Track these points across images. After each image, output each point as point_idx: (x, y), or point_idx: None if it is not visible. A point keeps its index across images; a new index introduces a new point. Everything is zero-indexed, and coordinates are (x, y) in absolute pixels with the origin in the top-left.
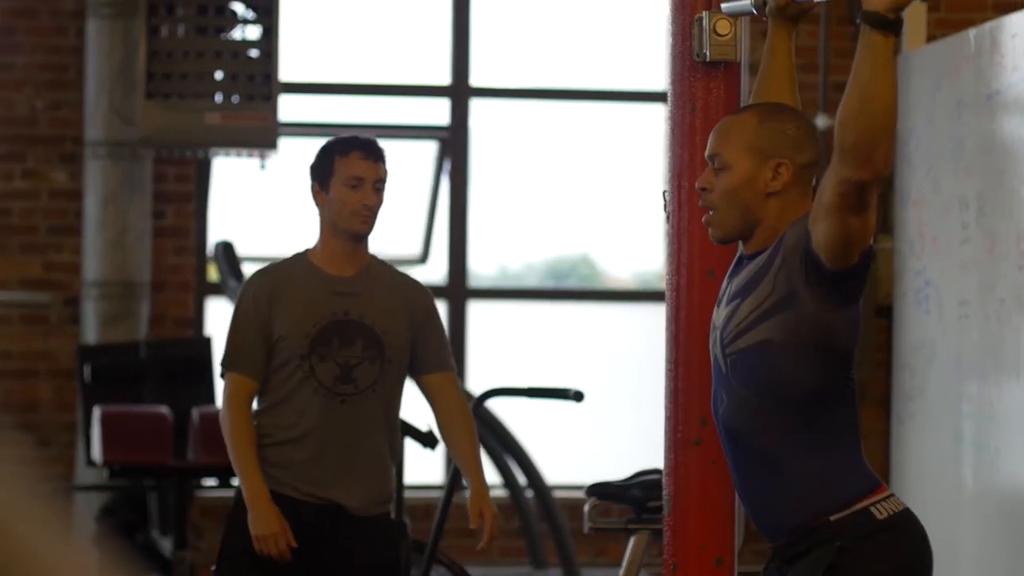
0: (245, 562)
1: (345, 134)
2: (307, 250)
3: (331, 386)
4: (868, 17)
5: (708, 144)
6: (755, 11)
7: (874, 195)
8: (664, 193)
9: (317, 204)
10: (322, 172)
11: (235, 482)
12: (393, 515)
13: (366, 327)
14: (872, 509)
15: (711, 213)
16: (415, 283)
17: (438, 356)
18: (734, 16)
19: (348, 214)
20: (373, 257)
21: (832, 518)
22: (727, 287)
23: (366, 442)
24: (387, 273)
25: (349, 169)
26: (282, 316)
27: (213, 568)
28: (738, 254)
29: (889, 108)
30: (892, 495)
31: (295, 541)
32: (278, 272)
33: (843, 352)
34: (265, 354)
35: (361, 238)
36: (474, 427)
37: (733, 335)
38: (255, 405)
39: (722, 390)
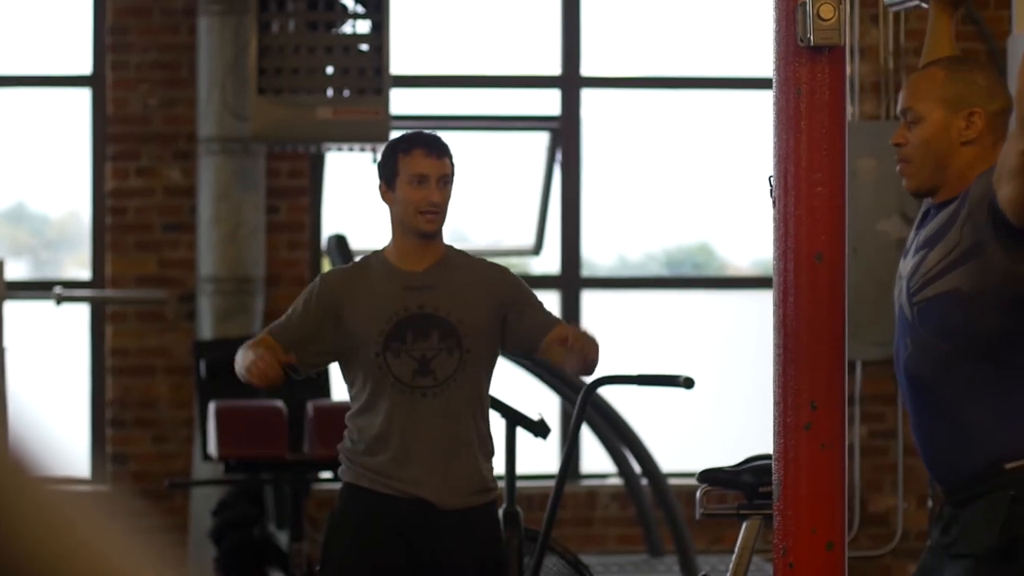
0: (348, 562)
1: (410, 129)
2: (383, 248)
3: (409, 380)
4: None
5: (900, 100)
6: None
7: None
8: (770, 179)
9: (385, 203)
10: (387, 171)
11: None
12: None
13: (441, 319)
14: None
15: (906, 165)
16: (494, 268)
17: (543, 325)
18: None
19: (414, 213)
20: (449, 248)
21: (1007, 466)
22: (914, 237)
23: (453, 434)
24: (464, 262)
25: (412, 167)
26: (355, 316)
27: (317, 568)
28: (924, 207)
29: None
30: None
31: (285, 357)
32: (352, 272)
33: None
34: (312, 345)
35: (429, 236)
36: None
37: (920, 284)
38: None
39: (907, 338)
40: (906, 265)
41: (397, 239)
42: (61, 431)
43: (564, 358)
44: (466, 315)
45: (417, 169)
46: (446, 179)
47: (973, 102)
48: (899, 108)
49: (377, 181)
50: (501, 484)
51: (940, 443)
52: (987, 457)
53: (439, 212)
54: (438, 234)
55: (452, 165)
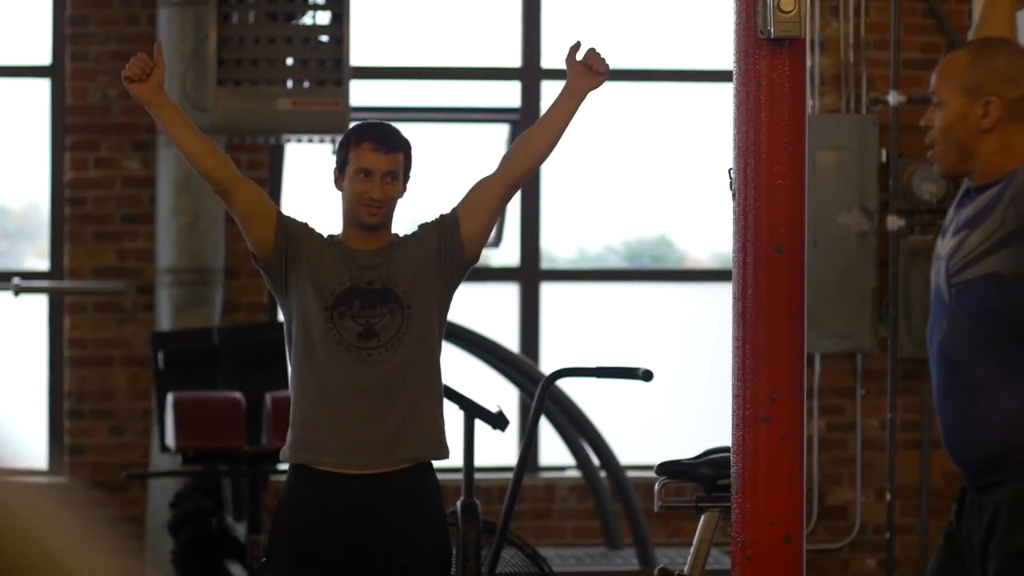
0: (292, 553)
1: (369, 119)
2: (338, 234)
3: (354, 342)
4: None
5: (931, 82)
6: None
7: None
8: (729, 171)
9: (337, 189)
10: (340, 159)
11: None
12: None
13: (389, 291)
14: None
15: (933, 149)
16: (427, 223)
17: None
18: None
19: (357, 204)
20: (395, 235)
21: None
22: (953, 218)
23: (399, 395)
24: (408, 239)
25: (360, 160)
26: (311, 263)
27: (263, 560)
28: (964, 187)
29: None
30: None
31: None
32: (320, 235)
33: None
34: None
35: (372, 228)
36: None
37: (959, 266)
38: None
39: (943, 319)
40: (944, 245)
41: (347, 228)
42: (18, 422)
43: (573, 68)
44: (412, 284)
45: (363, 163)
46: (393, 175)
47: (991, 89)
48: (929, 89)
49: (333, 167)
50: (459, 476)
51: (962, 426)
52: (1005, 444)
53: (382, 207)
54: (384, 226)
55: (406, 160)
